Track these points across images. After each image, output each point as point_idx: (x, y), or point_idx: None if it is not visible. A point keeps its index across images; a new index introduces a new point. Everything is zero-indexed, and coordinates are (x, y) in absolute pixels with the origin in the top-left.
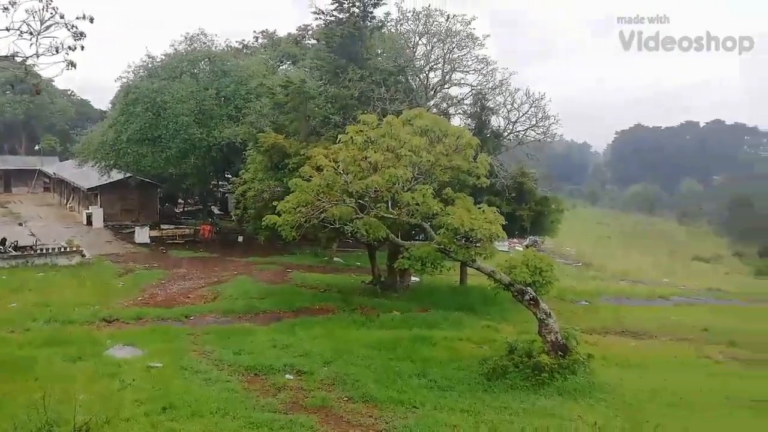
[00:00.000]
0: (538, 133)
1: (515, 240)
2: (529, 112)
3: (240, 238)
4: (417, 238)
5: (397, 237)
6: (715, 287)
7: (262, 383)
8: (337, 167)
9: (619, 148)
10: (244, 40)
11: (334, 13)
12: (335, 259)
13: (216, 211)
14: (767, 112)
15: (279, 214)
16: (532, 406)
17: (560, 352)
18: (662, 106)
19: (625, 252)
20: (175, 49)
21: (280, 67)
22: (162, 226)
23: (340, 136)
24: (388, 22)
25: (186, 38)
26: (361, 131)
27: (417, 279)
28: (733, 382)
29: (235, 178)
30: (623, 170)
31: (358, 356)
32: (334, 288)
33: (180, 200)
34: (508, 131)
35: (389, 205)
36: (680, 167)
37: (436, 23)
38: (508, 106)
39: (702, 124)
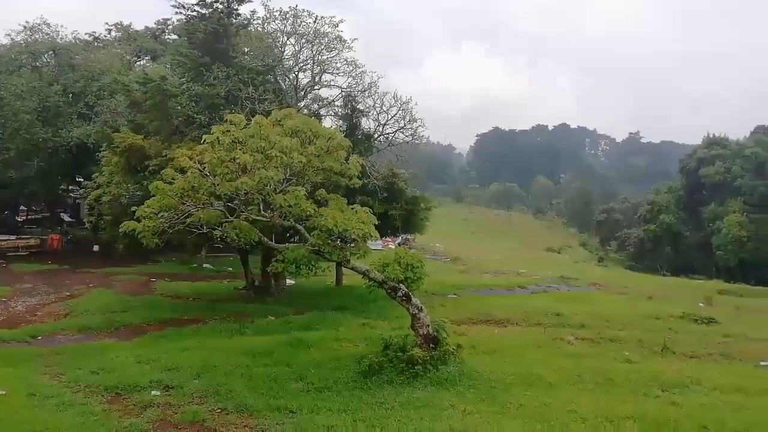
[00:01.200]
0: (406, 135)
1: (389, 239)
2: (398, 115)
3: (95, 248)
4: (292, 240)
5: (271, 240)
6: (566, 275)
7: (124, 403)
8: (203, 169)
9: (479, 150)
10: (95, 32)
11: (197, 8)
12: (205, 265)
13: (66, 218)
14: (604, 117)
15: (139, 220)
16: (408, 399)
17: (432, 345)
18: (514, 109)
19: (487, 245)
20: (12, 39)
21: (138, 63)
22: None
23: (205, 137)
24: (254, 20)
25: (25, 28)
26: (228, 131)
27: (292, 282)
28: (583, 361)
29: (87, 182)
30: (484, 170)
31: (232, 365)
32: (204, 296)
33: (23, 207)
34: (379, 133)
35: (261, 207)
36: (533, 166)
37: (304, 24)
38: (378, 109)
39: (551, 128)
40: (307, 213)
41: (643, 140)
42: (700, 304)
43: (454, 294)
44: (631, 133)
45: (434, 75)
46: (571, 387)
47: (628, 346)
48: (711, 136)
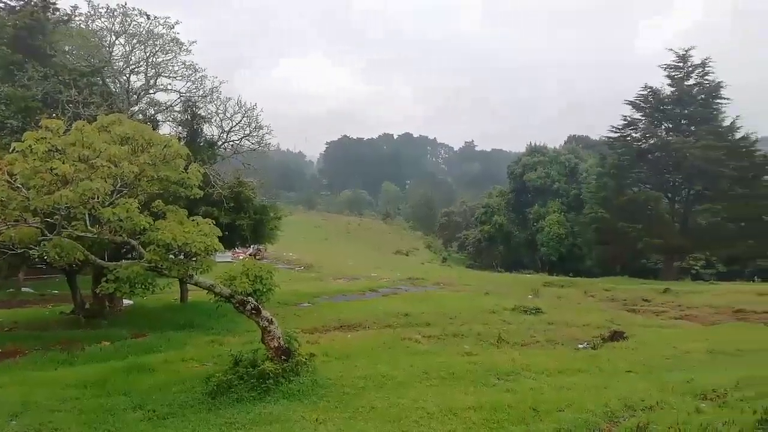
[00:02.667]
0: (252, 143)
1: (239, 250)
2: (243, 122)
3: None
4: (129, 257)
5: (104, 258)
6: (414, 276)
7: None
8: (14, 181)
9: (329, 157)
10: None
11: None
12: (24, 289)
13: None
14: (443, 126)
15: None
16: (258, 415)
17: (284, 357)
18: (361, 117)
19: (341, 251)
20: None
21: None
22: None
23: (14, 144)
24: (76, 16)
25: None
26: (44, 138)
27: (131, 302)
28: (430, 358)
29: None
30: (335, 177)
31: (59, 400)
32: (23, 324)
33: None
34: (223, 140)
35: (88, 222)
36: (381, 173)
37: (135, 23)
38: (221, 115)
39: (396, 136)
40: (142, 227)
41: (477, 148)
42: (529, 297)
43: (308, 303)
44: (466, 142)
45: (283, 82)
46: (419, 384)
47: (469, 340)
48: (533, 144)
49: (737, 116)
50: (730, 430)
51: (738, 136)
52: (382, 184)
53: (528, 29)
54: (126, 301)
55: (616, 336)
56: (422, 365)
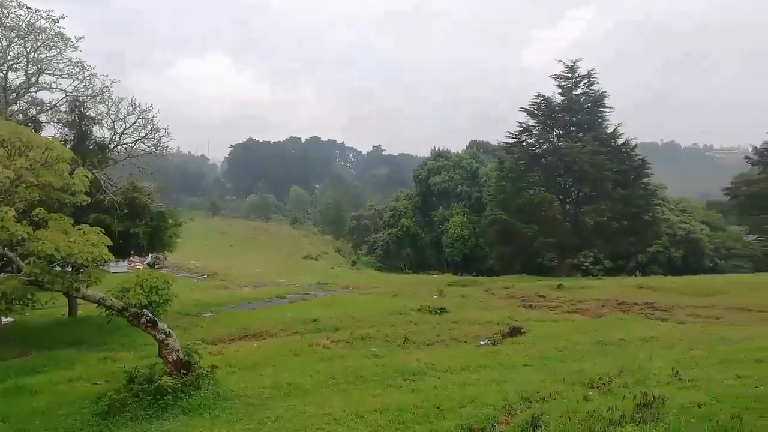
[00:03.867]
0: (148, 146)
1: (135, 259)
2: (137, 124)
3: None
4: (8, 270)
5: None
6: (323, 281)
7: None
8: None
9: (235, 161)
10: None
11: None
12: None
13: None
14: (353, 131)
15: None
16: None
17: (183, 370)
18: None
19: (247, 258)
20: None
21: None
22: None
23: None
24: None
25: None
26: None
27: (11, 319)
28: (338, 362)
29: None
30: (240, 181)
31: None
32: None
33: None
34: (115, 143)
35: None
36: (289, 177)
37: (12, 16)
38: (113, 116)
39: (303, 140)
40: (19, 237)
41: (384, 152)
42: (435, 297)
43: (212, 312)
44: (374, 146)
45: (186, 83)
46: (325, 390)
47: (376, 342)
48: (437, 149)
49: (619, 123)
50: (613, 416)
51: (620, 141)
52: (290, 188)
53: (433, 39)
54: (5, 319)
55: (515, 331)
56: (330, 370)
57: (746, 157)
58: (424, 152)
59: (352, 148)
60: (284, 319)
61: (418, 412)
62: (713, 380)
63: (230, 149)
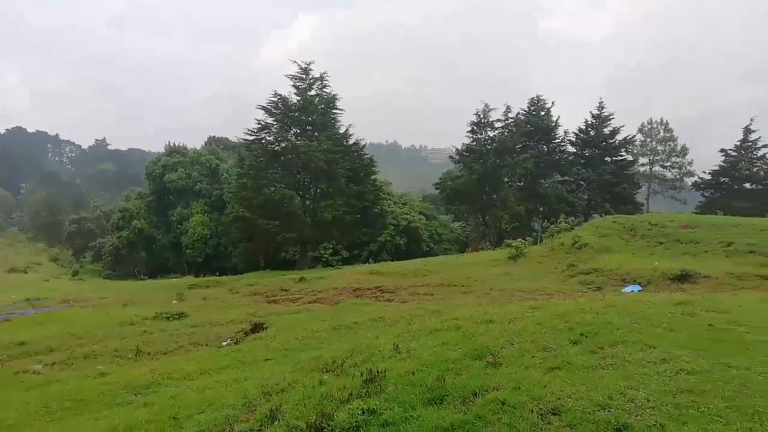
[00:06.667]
0: None
1: None
2: None
3: None
4: None
5: None
6: (33, 296)
7: None
8: None
9: None
10: None
11: None
12: None
13: None
14: (70, 123)
15: None
16: None
17: None
18: None
19: None
20: None
21: None
22: None
23: None
24: None
25: None
26: None
27: None
28: (52, 388)
29: None
30: None
31: None
32: None
33: None
34: None
35: None
36: None
37: None
38: None
39: (3, 131)
40: None
41: (110, 147)
42: (174, 302)
43: None
44: (97, 140)
45: None
46: (37, 422)
47: (103, 359)
48: (173, 144)
49: (350, 124)
50: (343, 395)
51: (351, 141)
52: None
53: (167, 30)
54: None
55: (257, 328)
56: (43, 398)
57: (450, 157)
58: (158, 147)
59: (70, 141)
60: None
61: (151, 428)
62: (424, 348)
63: None
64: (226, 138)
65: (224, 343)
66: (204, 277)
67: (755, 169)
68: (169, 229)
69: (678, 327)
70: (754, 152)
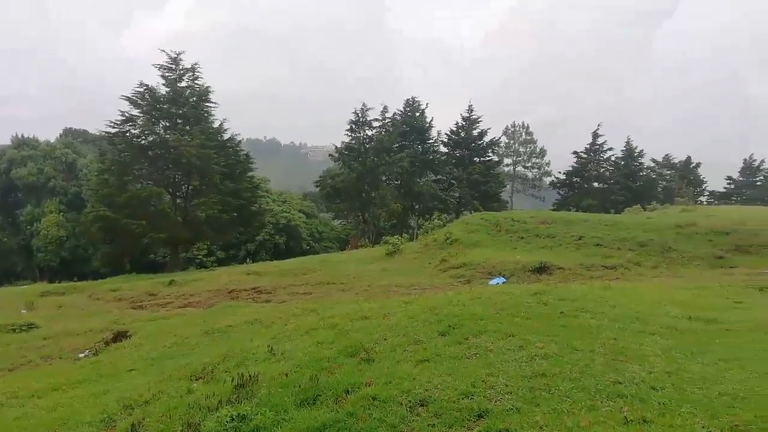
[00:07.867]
0: None
1: None
2: None
3: None
4: None
5: None
6: None
7: None
8: None
9: None
10: None
11: None
12: None
13: None
14: None
15: None
16: None
17: None
18: None
19: None
20: None
21: None
22: None
23: None
24: None
25: None
26: None
27: None
28: None
29: None
30: None
31: None
32: None
33: None
34: None
35: None
36: None
37: None
38: None
39: None
40: None
41: None
42: (23, 311)
43: None
44: None
45: None
46: None
47: None
48: (20, 136)
49: (224, 119)
50: (212, 402)
51: (226, 137)
52: None
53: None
54: None
55: (120, 336)
56: None
57: (330, 155)
58: (2, 140)
59: None
60: None
61: None
62: (299, 349)
63: None
64: (85, 130)
65: (81, 355)
66: (60, 282)
67: (602, 170)
68: (17, 230)
69: (534, 315)
70: (601, 154)
